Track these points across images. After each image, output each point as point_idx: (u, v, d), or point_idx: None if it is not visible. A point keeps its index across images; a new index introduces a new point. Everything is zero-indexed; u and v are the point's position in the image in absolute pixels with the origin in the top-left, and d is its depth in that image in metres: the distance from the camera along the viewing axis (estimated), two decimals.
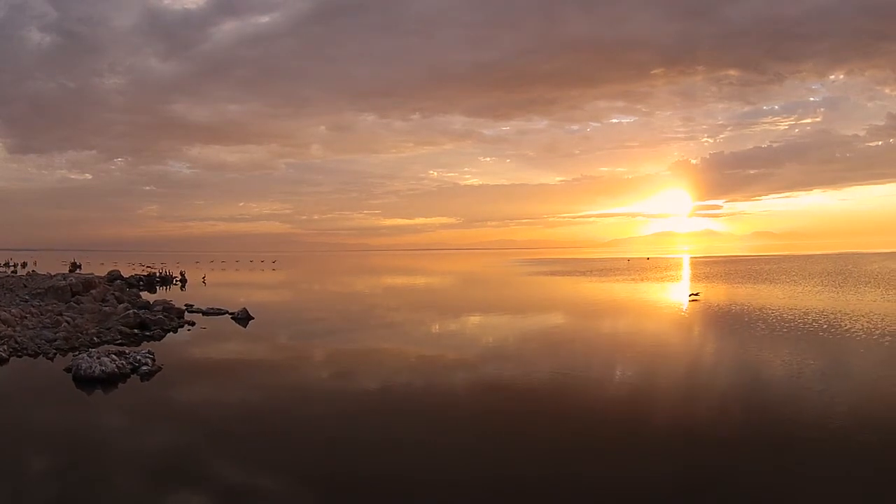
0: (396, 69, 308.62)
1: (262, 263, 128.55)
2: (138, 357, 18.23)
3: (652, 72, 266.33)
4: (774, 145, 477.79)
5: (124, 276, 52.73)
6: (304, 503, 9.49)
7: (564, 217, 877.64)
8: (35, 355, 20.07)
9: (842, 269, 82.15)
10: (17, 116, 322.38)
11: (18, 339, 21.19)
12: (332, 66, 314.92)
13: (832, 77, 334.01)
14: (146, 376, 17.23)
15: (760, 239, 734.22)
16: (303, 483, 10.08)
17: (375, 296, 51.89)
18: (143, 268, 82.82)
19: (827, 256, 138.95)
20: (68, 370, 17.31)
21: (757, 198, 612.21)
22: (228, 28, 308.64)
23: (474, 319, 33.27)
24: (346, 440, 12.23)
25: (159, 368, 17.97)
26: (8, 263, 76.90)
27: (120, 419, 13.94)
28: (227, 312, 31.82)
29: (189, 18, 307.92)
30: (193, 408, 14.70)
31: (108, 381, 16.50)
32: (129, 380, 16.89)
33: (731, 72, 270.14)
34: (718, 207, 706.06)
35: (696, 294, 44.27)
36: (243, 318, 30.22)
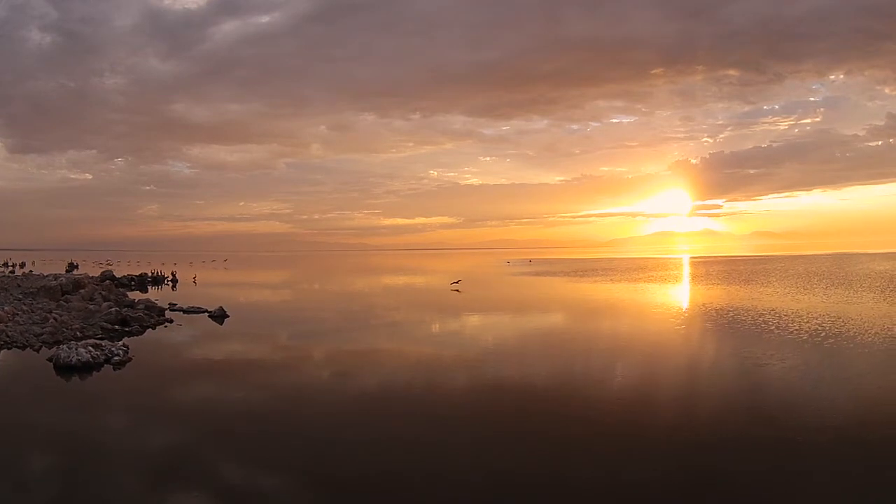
0: (397, 69, 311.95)
1: (214, 263, 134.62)
2: (113, 349, 20.76)
3: (652, 71, 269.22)
4: (774, 145, 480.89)
5: (116, 275, 55.25)
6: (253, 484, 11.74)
7: (564, 217, 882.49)
8: (23, 347, 22.61)
9: (825, 269, 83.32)
10: (17, 116, 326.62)
11: (9, 334, 23.71)
12: (332, 65, 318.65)
13: (832, 77, 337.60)
14: (118, 365, 19.75)
15: (760, 239, 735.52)
16: (251, 462, 12.49)
17: (356, 295, 54.31)
18: (105, 265, 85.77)
19: (819, 256, 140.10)
20: (50, 360, 19.83)
21: (757, 197, 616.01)
22: (229, 28, 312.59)
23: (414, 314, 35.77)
24: (290, 426, 14.69)
25: (130, 359, 20.49)
26: (7, 263, 79.49)
27: (90, 400, 16.60)
28: (205, 311, 34.29)
29: (189, 18, 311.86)
30: (154, 391, 17.15)
31: (84, 368, 19.02)
32: (102, 368, 19.40)
33: (731, 72, 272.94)
34: (718, 207, 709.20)
35: (457, 282, 54.17)
36: (219, 315, 32.73)
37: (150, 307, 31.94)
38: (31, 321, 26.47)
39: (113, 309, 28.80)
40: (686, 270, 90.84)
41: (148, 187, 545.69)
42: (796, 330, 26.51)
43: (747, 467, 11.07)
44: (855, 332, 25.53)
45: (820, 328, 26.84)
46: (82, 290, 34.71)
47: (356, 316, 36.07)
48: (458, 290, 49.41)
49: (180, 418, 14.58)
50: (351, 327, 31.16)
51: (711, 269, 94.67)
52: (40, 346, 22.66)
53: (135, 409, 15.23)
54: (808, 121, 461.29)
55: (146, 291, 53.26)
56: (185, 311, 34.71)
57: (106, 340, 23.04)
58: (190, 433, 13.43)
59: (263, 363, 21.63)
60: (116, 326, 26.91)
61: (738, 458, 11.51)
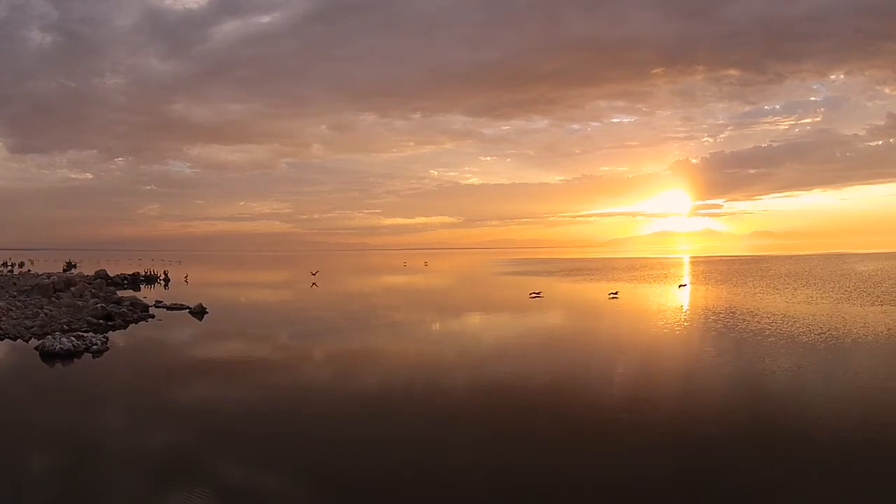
0: (397, 69, 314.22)
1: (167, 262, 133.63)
2: (93, 339, 23.48)
3: (652, 71, 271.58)
4: (774, 145, 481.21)
5: (110, 274, 57.97)
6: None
7: (565, 216, 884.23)
8: (15, 338, 25.32)
9: (807, 270, 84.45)
10: (18, 116, 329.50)
11: (2, 327, 26.41)
12: (332, 65, 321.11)
13: (832, 77, 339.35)
14: (96, 354, 22.46)
15: (760, 238, 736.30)
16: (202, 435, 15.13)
17: (334, 293, 57.02)
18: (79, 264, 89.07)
19: (810, 257, 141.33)
20: (37, 348, 22.53)
21: (757, 197, 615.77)
22: (229, 28, 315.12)
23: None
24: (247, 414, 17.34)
25: (107, 348, 23.24)
26: (6, 263, 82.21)
27: (69, 381, 19.44)
28: (187, 308, 36.91)
29: (190, 18, 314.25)
30: (122, 375, 19.89)
31: (66, 356, 21.75)
32: (83, 356, 22.10)
33: (731, 71, 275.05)
34: (718, 207, 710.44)
35: (314, 274, 70.90)
36: (199, 312, 35.40)
37: (135, 304, 34.59)
38: (23, 316, 29.15)
39: (99, 305, 31.47)
40: (663, 271, 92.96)
41: (148, 187, 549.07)
42: (741, 328, 27.75)
43: (746, 467, 11.32)
44: (799, 331, 26.66)
45: (767, 327, 28.02)
46: (73, 288, 37.40)
47: (318, 311, 38.86)
48: (315, 285, 62.60)
49: (141, 396, 17.21)
50: (313, 321, 33.96)
51: (694, 269, 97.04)
52: (30, 338, 25.33)
53: (104, 389, 18.01)
54: (809, 121, 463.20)
55: (138, 290, 55.78)
56: (168, 308, 37.36)
57: (90, 333, 25.67)
58: (148, 408, 16.05)
59: (229, 352, 24.32)
60: (101, 321, 29.52)
61: (737, 458, 11.81)
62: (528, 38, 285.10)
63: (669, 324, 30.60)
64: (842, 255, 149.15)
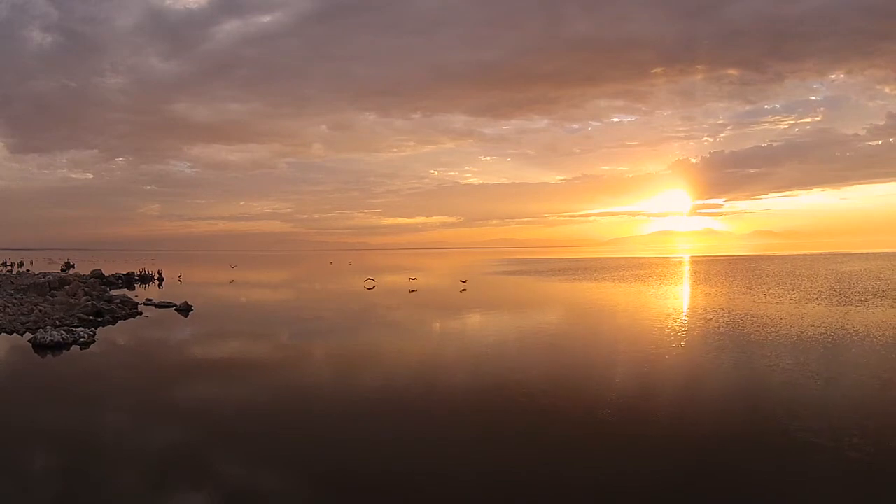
0: (397, 68, 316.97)
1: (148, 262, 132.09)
2: (81, 333, 25.53)
3: (652, 71, 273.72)
4: (775, 144, 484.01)
5: (105, 274, 60.03)
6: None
7: (565, 216, 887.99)
8: (10, 332, 27.36)
9: (791, 269, 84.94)
10: (18, 116, 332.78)
11: None
12: (333, 65, 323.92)
13: (832, 76, 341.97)
14: (84, 345, 24.52)
15: (761, 238, 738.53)
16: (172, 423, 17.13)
17: (317, 293, 58.98)
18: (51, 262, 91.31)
19: (803, 256, 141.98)
20: (30, 341, 24.60)
21: (757, 197, 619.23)
22: (230, 28, 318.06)
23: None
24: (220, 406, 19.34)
25: (94, 341, 25.31)
26: (5, 263, 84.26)
27: (58, 369, 21.49)
28: (174, 305, 38.92)
29: (191, 18, 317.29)
30: (106, 364, 21.92)
31: (56, 347, 23.82)
32: (71, 347, 24.17)
33: (732, 71, 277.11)
34: (719, 206, 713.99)
35: (232, 267, 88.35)
36: (184, 309, 37.42)
37: (125, 301, 36.64)
38: (19, 312, 31.18)
39: (90, 303, 33.49)
40: (648, 271, 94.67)
41: (149, 187, 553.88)
42: (700, 327, 28.75)
43: (747, 466, 11.42)
44: (754, 330, 27.53)
45: (724, 325, 29.02)
46: (67, 287, 39.44)
47: (300, 306, 40.89)
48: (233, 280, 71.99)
49: (121, 382, 19.25)
50: (293, 317, 35.93)
51: (679, 268, 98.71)
52: (24, 331, 27.38)
53: (89, 377, 20.06)
54: (809, 120, 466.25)
55: (133, 289, 57.79)
56: (157, 306, 39.42)
57: (80, 328, 27.66)
58: (127, 392, 18.08)
59: (206, 345, 26.37)
60: (91, 317, 31.55)
61: (737, 458, 11.92)
62: (528, 38, 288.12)
63: (631, 323, 32.55)
64: (836, 254, 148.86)
